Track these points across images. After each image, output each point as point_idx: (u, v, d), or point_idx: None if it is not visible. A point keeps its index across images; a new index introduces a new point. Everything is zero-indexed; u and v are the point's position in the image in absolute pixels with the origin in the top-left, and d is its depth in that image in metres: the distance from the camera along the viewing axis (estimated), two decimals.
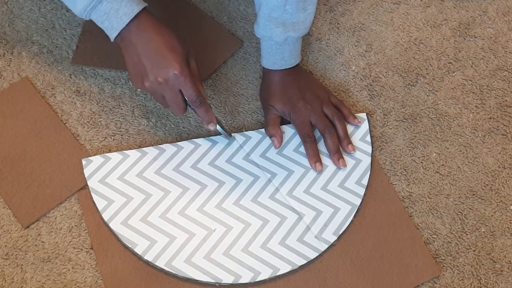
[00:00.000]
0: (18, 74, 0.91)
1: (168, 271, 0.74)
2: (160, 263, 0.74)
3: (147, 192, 0.80)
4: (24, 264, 0.76)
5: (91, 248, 0.77)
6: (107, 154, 0.83)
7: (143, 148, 0.84)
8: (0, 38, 0.94)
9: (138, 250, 0.75)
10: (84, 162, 0.82)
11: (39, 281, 0.75)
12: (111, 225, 0.77)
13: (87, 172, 0.81)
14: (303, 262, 0.75)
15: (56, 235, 0.78)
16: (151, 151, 0.83)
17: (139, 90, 0.78)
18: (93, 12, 0.74)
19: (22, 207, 0.79)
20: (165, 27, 0.77)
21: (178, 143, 0.84)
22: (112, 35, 0.75)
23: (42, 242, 0.77)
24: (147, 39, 0.74)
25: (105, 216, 0.78)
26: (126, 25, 0.74)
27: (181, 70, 0.74)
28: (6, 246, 0.77)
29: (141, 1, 0.75)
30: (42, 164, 0.83)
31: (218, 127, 0.79)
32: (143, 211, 0.78)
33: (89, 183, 0.80)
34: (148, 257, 0.75)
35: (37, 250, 0.77)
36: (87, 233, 0.78)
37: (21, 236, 0.78)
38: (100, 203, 0.79)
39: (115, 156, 0.83)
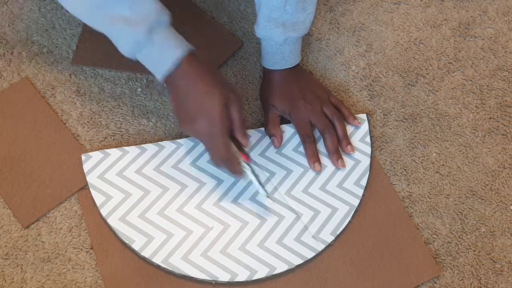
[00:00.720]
0: (18, 74, 0.91)
1: (165, 268, 0.74)
2: (157, 260, 0.75)
3: (145, 188, 0.80)
4: (24, 264, 0.76)
5: (91, 248, 0.77)
6: (106, 150, 0.83)
7: (142, 145, 0.84)
8: (0, 38, 0.94)
9: (135, 246, 0.76)
10: (83, 157, 0.82)
11: (39, 281, 0.75)
12: (109, 220, 0.77)
13: (86, 167, 0.81)
14: (300, 261, 0.75)
15: (56, 235, 0.78)
16: (150, 148, 0.83)
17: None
18: (139, 56, 0.73)
19: (22, 207, 0.79)
20: (211, 71, 0.75)
21: (178, 140, 0.84)
22: (159, 79, 0.74)
23: (42, 242, 0.77)
24: (188, 85, 0.73)
25: (103, 212, 0.78)
26: (172, 70, 0.73)
27: (217, 120, 0.72)
28: (6, 246, 0.77)
29: (186, 44, 0.74)
30: (42, 164, 0.83)
31: (255, 180, 0.76)
32: (141, 207, 0.78)
33: (88, 178, 0.80)
34: (145, 253, 0.75)
35: (37, 250, 0.77)
36: (87, 233, 0.78)
37: (21, 236, 0.78)
38: (98, 199, 0.79)
39: (114, 152, 0.83)
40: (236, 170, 0.76)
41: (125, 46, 0.72)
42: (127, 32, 0.71)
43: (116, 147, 0.85)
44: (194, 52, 0.74)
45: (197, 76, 0.73)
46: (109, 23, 0.71)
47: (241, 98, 0.76)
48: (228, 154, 0.74)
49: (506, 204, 0.82)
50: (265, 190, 0.77)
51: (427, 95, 0.91)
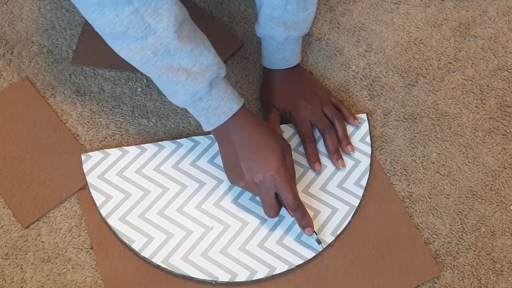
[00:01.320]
0: (18, 74, 0.91)
1: (165, 268, 0.74)
2: (157, 260, 0.75)
3: (145, 188, 0.80)
4: (24, 264, 0.76)
5: (91, 248, 0.77)
6: (106, 150, 0.83)
7: (142, 145, 0.84)
8: (0, 38, 0.94)
9: (135, 246, 0.76)
10: (83, 157, 0.82)
11: (39, 281, 0.75)
12: (108, 221, 0.77)
13: (86, 167, 0.81)
14: (300, 261, 0.75)
15: (56, 235, 0.78)
16: (150, 147, 0.83)
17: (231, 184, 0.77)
18: (191, 106, 0.73)
19: (22, 207, 0.79)
20: (262, 123, 0.75)
21: (178, 140, 0.84)
22: (207, 129, 0.74)
23: (42, 242, 0.77)
24: (244, 138, 0.73)
25: (103, 212, 0.78)
26: (223, 122, 0.73)
27: (278, 171, 0.72)
28: (6, 246, 0.77)
29: (239, 97, 0.74)
30: (42, 164, 0.83)
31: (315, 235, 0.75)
32: (141, 207, 0.78)
33: (88, 178, 0.80)
34: (145, 253, 0.75)
35: (37, 250, 0.77)
36: (87, 233, 0.78)
37: (21, 236, 0.78)
38: (98, 199, 0.79)
39: (114, 152, 0.83)
40: (308, 219, 0.74)
41: (183, 97, 0.71)
42: (188, 84, 0.70)
43: (116, 147, 0.85)
44: (244, 104, 0.75)
45: (252, 128, 0.74)
46: (170, 73, 0.69)
47: (290, 148, 0.77)
48: (299, 201, 0.74)
49: (506, 204, 0.82)
50: (318, 241, 0.75)
51: (427, 95, 0.91)
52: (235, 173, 0.75)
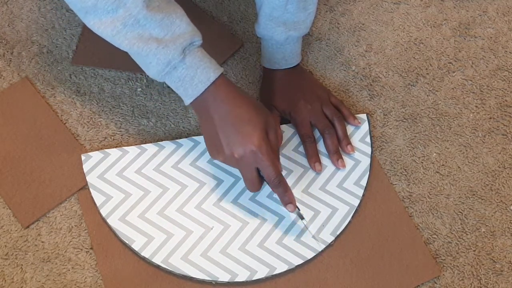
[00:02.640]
0: (18, 74, 0.91)
1: (165, 268, 0.74)
2: (157, 260, 0.75)
3: (145, 188, 0.80)
4: (24, 264, 0.76)
5: (91, 248, 0.77)
6: (106, 150, 0.83)
7: (142, 145, 0.84)
8: (0, 38, 0.94)
9: (135, 246, 0.76)
10: (83, 157, 0.82)
11: (39, 281, 0.75)
12: (108, 221, 0.77)
13: (86, 167, 0.81)
14: (300, 261, 0.75)
15: (56, 235, 0.78)
16: (150, 147, 0.83)
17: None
18: (167, 77, 0.71)
19: (22, 207, 0.79)
20: (244, 95, 0.73)
21: (177, 140, 0.84)
22: (186, 101, 0.72)
23: (42, 242, 0.77)
24: (223, 111, 0.71)
25: (103, 212, 0.78)
26: (202, 93, 0.71)
27: (259, 146, 0.70)
28: (6, 246, 0.77)
29: (217, 66, 0.72)
30: (42, 164, 0.83)
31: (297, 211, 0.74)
32: (141, 207, 0.78)
33: (88, 178, 0.80)
34: (145, 253, 0.75)
35: (37, 250, 0.77)
36: (87, 233, 0.78)
37: (21, 236, 0.78)
38: (98, 199, 0.79)
39: (114, 152, 0.83)
40: (290, 196, 0.73)
41: (156, 67, 0.70)
42: (160, 52, 0.68)
43: (116, 147, 0.85)
44: (223, 73, 0.72)
45: (232, 100, 0.71)
46: (140, 43, 0.69)
47: (277, 121, 0.75)
48: (281, 177, 0.72)
49: (506, 204, 0.82)
50: (301, 215, 0.75)
51: (427, 95, 0.91)
52: (214, 147, 0.73)
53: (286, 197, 0.73)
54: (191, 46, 0.70)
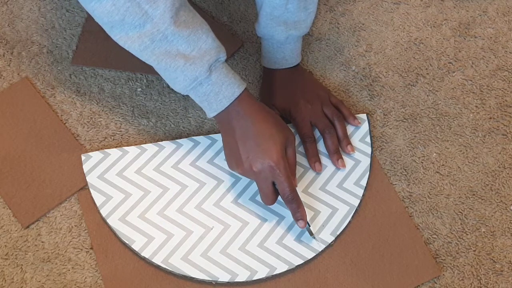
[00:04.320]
0: (18, 74, 0.91)
1: (165, 268, 0.74)
2: (157, 260, 0.75)
3: (145, 188, 0.80)
4: (24, 264, 0.76)
5: (91, 248, 0.77)
6: (106, 150, 0.83)
7: (142, 145, 0.84)
8: (0, 38, 0.94)
9: (136, 246, 0.76)
10: (83, 157, 0.82)
11: (39, 281, 0.75)
12: (109, 221, 0.77)
13: (86, 167, 0.81)
14: (300, 261, 0.75)
15: (56, 235, 0.78)
16: (150, 148, 0.83)
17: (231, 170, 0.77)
18: (192, 92, 0.72)
19: (22, 207, 0.79)
20: (266, 110, 0.75)
21: (177, 140, 0.84)
22: (210, 115, 0.74)
23: (42, 242, 0.77)
24: (245, 125, 0.72)
25: (103, 212, 0.78)
26: (226, 107, 0.72)
27: (277, 162, 0.72)
28: (6, 246, 0.77)
29: (241, 81, 0.73)
30: (42, 164, 0.83)
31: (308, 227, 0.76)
32: (141, 207, 0.78)
33: (88, 178, 0.80)
34: (145, 253, 0.75)
35: (37, 250, 0.77)
36: (87, 233, 0.78)
37: (21, 236, 0.78)
38: (98, 199, 0.79)
39: (114, 152, 0.83)
40: (302, 212, 0.74)
41: (182, 82, 0.71)
42: (187, 69, 0.69)
43: (116, 147, 0.85)
44: (247, 88, 0.74)
45: (255, 115, 0.73)
46: (168, 59, 0.69)
47: (294, 139, 0.76)
48: (295, 193, 0.73)
49: (506, 204, 0.82)
50: (311, 233, 0.76)
51: (427, 95, 0.91)
52: (234, 159, 0.75)
53: (299, 213, 0.74)
54: (216, 62, 0.71)
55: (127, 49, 0.70)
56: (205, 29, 0.71)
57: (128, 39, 0.69)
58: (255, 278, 0.74)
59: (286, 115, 0.85)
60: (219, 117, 0.74)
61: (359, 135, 0.86)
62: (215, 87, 0.71)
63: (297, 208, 0.74)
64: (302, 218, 0.74)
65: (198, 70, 0.70)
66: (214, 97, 0.72)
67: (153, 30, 0.67)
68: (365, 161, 0.83)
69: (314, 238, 0.76)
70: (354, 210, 0.79)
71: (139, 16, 0.66)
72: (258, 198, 0.79)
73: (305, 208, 0.79)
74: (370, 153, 0.84)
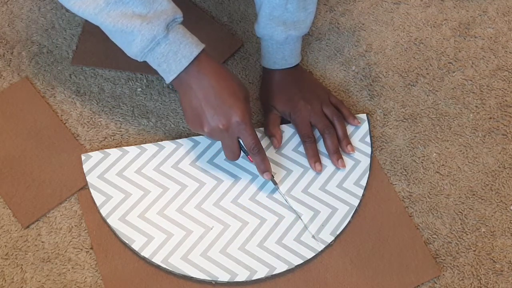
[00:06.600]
0: (18, 74, 0.91)
1: (165, 268, 0.74)
2: (157, 260, 0.75)
3: (145, 188, 0.80)
4: (24, 264, 0.76)
5: (91, 248, 0.77)
6: (106, 150, 0.83)
7: (142, 145, 0.84)
8: (0, 38, 0.94)
9: (135, 246, 0.76)
10: (83, 157, 0.82)
11: (39, 281, 0.75)
12: (108, 220, 0.77)
13: (86, 167, 0.81)
14: (300, 261, 0.75)
15: (56, 235, 0.78)
16: (150, 147, 0.83)
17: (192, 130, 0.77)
18: (150, 54, 0.71)
19: (22, 207, 0.79)
20: (225, 68, 0.75)
21: (178, 140, 0.84)
22: (169, 78, 0.72)
23: (42, 242, 0.78)
24: (207, 84, 0.72)
25: (103, 212, 0.78)
26: (185, 68, 0.71)
27: (243, 117, 0.73)
28: (6, 246, 0.77)
29: (199, 42, 0.73)
30: (42, 164, 0.83)
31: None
32: (141, 207, 0.79)
33: (88, 178, 0.80)
34: (145, 253, 0.75)
35: (37, 250, 0.77)
36: (87, 233, 0.78)
37: (21, 236, 0.78)
38: (98, 199, 0.79)
39: (114, 152, 0.83)
40: (267, 164, 0.76)
41: (140, 43, 0.70)
42: (144, 28, 0.68)
43: (116, 147, 0.85)
44: (205, 49, 0.73)
45: (215, 74, 0.73)
46: (124, 20, 0.68)
47: (249, 94, 0.78)
48: (260, 146, 0.75)
49: (506, 204, 0.82)
50: (275, 183, 0.79)
51: (427, 95, 0.91)
52: (198, 119, 0.74)
53: (263, 165, 0.77)
54: (173, 22, 0.71)
55: (81, 16, 0.70)
56: None
57: (82, 4, 0.68)
58: (254, 278, 0.74)
59: (286, 115, 0.85)
60: (178, 80, 0.73)
61: (359, 135, 0.86)
62: (173, 47, 0.70)
63: (262, 160, 0.76)
64: (267, 169, 0.77)
65: (156, 29, 0.69)
66: (173, 57, 0.71)
67: None
68: (365, 161, 0.83)
69: (278, 188, 0.79)
70: (354, 210, 0.79)
71: None
72: (258, 198, 0.80)
73: (305, 207, 0.79)
74: (370, 153, 0.84)
